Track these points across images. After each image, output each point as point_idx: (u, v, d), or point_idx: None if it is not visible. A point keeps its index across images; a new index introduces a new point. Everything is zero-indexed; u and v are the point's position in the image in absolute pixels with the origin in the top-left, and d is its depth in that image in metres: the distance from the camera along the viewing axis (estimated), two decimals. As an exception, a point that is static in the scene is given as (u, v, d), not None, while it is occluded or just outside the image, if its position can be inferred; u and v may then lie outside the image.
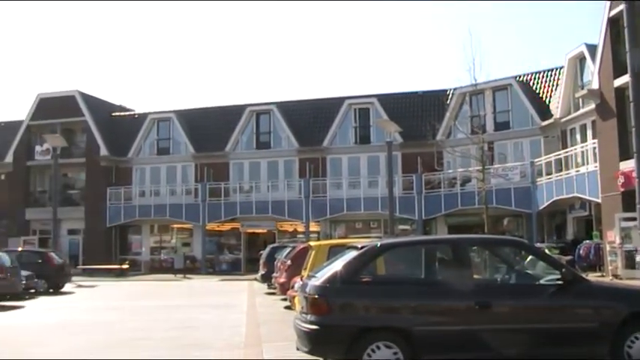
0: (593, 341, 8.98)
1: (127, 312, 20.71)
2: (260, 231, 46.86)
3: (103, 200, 47.17)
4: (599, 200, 29.38)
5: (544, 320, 9.02)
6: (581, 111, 34.49)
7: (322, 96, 50.26)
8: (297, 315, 9.78)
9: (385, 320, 8.90)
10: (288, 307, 18.68)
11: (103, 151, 48.04)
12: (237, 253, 46.88)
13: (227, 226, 47.11)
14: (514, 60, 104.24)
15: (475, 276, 9.68)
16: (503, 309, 9.02)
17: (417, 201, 41.41)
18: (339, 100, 46.44)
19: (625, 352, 8.91)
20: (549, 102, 39.84)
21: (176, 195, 47.44)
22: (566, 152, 34.47)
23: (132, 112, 53.45)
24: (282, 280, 21.04)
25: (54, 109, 48.33)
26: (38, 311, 21.61)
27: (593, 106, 30.96)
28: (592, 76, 31.22)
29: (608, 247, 27.93)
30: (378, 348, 8.62)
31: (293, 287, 17.04)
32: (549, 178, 34.89)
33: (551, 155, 35.56)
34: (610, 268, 27.59)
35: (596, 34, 29.84)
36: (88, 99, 49.93)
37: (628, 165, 26.75)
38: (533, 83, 41.78)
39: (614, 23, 28.37)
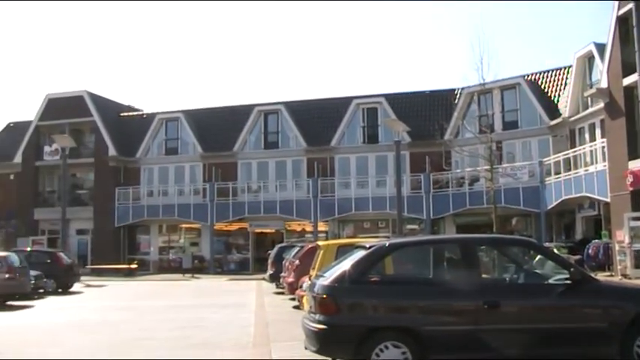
0: (602, 341, 8.95)
1: (136, 312, 20.74)
2: (268, 231, 46.85)
3: (112, 200, 47.26)
4: (608, 200, 29.27)
5: (553, 320, 8.99)
6: (590, 110, 34.38)
7: (330, 96, 50.32)
8: (305, 315, 9.78)
9: (393, 320, 8.89)
10: (296, 307, 18.69)
11: (112, 151, 48.12)
12: (246, 253, 46.89)
13: (235, 226, 47.12)
14: (522, 59, 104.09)
15: (484, 276, 9.67)
16: (512, 309, 9.00)
17: (425, 200, 41.35)
18: (347, 100, 46.43)
19: (635, 352, 8.88)
20: (558, 101, 39.73)
21: (184, 195, 47.49)
22: (575, 151, 34.36)
23: (140, 112, 53.55)
24: (290, 279, 21.06)
25: (62, 109, 48.45)
26: (47, 311, 21.68)
27: (601, 105, 30.85)
28: (601, 75, 31.11)
29: (617, 247, 27.81)
30: (387, 348, 8.62)
31: (301, 287, 17.06)
32: (558, 178, 34.80)
33: (559, 154, 35.46)
34: (619, 267, 27.47)
35: (605, 33, 29.76)
36: (97, 99, 50.04)
37: (637, 164, 26.74)
38: (542, 82, 41.67)
39: (622, 22, 28.29)
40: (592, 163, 32.10)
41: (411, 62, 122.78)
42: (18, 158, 49.75)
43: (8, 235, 47.76)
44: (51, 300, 25.69)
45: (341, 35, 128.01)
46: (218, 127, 48.31)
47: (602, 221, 32.16)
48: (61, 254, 32.00)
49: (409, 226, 41.43)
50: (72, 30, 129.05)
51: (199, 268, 43.69)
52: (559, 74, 40.77)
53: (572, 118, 36.41)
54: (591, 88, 33.56)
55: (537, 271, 10.35)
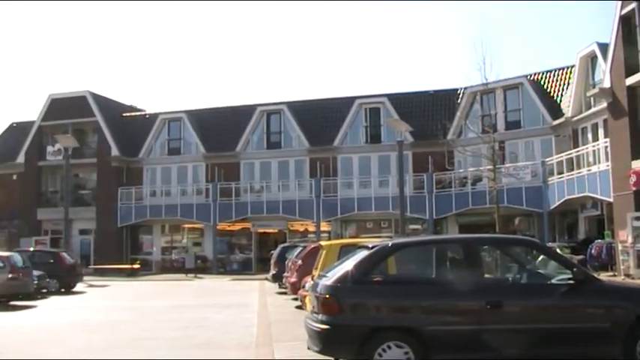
0: (604, 341, 8.95)
1: (139, 312, 20.75)
2: (271, 231, 46.87)
3: (114, 200, 47.30)
4: (611, 199, 29.24)
5: (555, 320, 8.98)
6: (593, 110, 34.36)
7: (333, 95, 50.28)
8: (308, 315, 9.79)
9: (396, 320, 8.89)
10: (299, 307, 18.71)
11: (114, 151, 48.16)
12: (248, 253, 46.91)
13: (238, 226, 47.12)
14: (525, 59, 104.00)
15: (486, 275, 9.66)
16: (515, 309, 8.99)
17: (427, 200, 41.33)
18: (350, 100, 46.43)
19: (637, 352, 8.87)
20: (560, 101, 39.69)
21: (187, 195, 47.53)
22: (578, 151, 34.32)
23: (143, 113, 53.59)
24: (293, 279, 21.06)
25: (65, 109, 48.49)
26: (50, 311, 21.71)
27: (604, 104, 30.82)
28: (603, 74, 31.08)
29: (620, 247, 27.77)
30: (389, 348, 8.62)
31: (304, 287, 17.06)
32: (561, 178, 34.77)
33: (562, 154, 35.43)
34: (622, 267, 27.44)
35: (608, 32, 29.72)
36: (99, 99, 50.10)
37: (640, 164, 26.70)
38: (545, 82, 41.63)
39: (625, 22, 28.26)
40: (595, 163, 32.07)
41: (414, 62, 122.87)
42: (21, 158, 49.81)
43: (11, 236, 47.88)
44: (54, 300, 25.72)
45: (343, 35, 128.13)
46: (221, 127, 48.33)
47: (604, 221, 32.13)
48: (64, 254, 32.03)
49: (412, 226, 41.35)
50: (75, 30, 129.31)
51: (202, 268, 43.71)
52: (562, 74, 40.72)
53: (575, 118, 36.39)
54: (594, 87, 33.52)
55: (540, 271, 10.35)
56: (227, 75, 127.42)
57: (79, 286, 31.72)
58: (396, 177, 36.49)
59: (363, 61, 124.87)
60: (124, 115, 52.05)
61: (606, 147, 30.26)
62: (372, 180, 43.96)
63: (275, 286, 27.85)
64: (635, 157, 26.92)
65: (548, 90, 41.04)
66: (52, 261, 30.34)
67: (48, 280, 27.67)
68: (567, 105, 37.69)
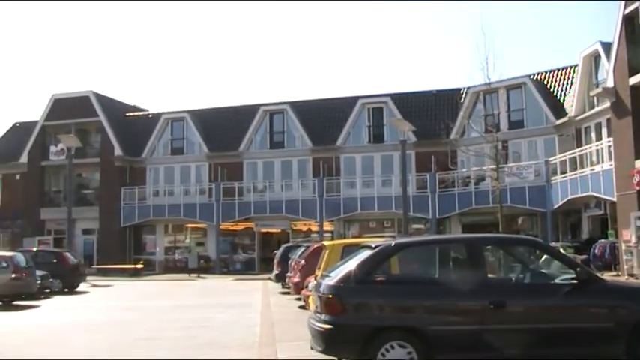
0: (608, 341, 8.93)
1: (142, 312, 20.77)
2: (274, 230, 46.87)
3: (118, 200, 47.34)
4: (615, 199, 29.18)
5: (559, 320, 8.97)
6: (596, 109, 34.31)
7: (336, 95, 50.20)
8: (311, 314, 9.78)
9: (399, 320, 8.89)
10: (302, 307, 18.70)
11: (118, 151, 48.17)
12: (251, 253, 46.93)
13: (241, 226, 47.14)
14: (528, 58, 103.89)
15: (489, 275, 9.67)
16: (518, 308, 8.99)
17: (430, 200, 41.32)
18: (353, 100, 46.43)
19: (641, 352, 8.86)
20: (564, 100, 39.63)
21: (190, 195, 47.55)
22: (581, 151, 34.27)
23: (146, 112, 53.57)
24: (296, 279, 21.05)
25: (68, 109, 48.53)
26: (53, 311, 21.73)
27: (608, 104, 30.76)
28: (607, 74, 31.01)
29: (623, 246, 27.71)
30: (392, 347, 8.62)
31: (307, 287, 17.05)
32: (564, 177, 34.73)
33: (565, 154, 35.38)
34: (625, 267, 27.39)
35: (611, 32, 29.66)
36: (103, 99, 50.11)
37: (643, 163, 26.65)
38: (548, 82, 41.58)
39: (628, 21, 28.20)
40: (598, 163, 32.02)
41: (417, 62, 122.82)
42: (24, 158, 49.85)
43: (14, 235, 47.93)
44: (57, 300, 25.75)
45: (346, 35, 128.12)
46: (224, 127, 48.34)
47: (608, 221, 32.07)
48: (67, 254, 32.07)
49: (415, 226, 41.35)
50: (78, 30, 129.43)
51: (205, 268, 43.73)
52: (565, 73, 40.67)
53: (578, 118, 36.34)
54: (597, 87, 33.45)
55: (543, 270, 10.33)
56: (230, 75, 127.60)
57: (82, 286, 31.75)
58: (399, 177, 36.53)
59: (366, 61, 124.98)
60: (127, 115, 52.06)
61: (609, 146, 30.20)
62: (375, 180, 43.97)
63: (278, 286, 27.86)
64: (638, 157, 26.86)
65: (552, 89, 40.99)
66: (55, 261, 30.39)
67: (51, 279, 27.68)
68: (570, 104, 37.63)
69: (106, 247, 46.91)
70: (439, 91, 46.02)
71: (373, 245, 9.69)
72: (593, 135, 35.29)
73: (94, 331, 15.68)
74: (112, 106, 50.60)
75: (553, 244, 29.48)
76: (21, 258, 24.62)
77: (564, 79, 40.55)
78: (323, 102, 48.37)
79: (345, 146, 45.71)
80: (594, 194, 31.47)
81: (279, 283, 27.55)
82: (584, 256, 28.17)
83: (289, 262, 24.45)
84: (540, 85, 41.20)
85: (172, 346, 13.08)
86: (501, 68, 58.64)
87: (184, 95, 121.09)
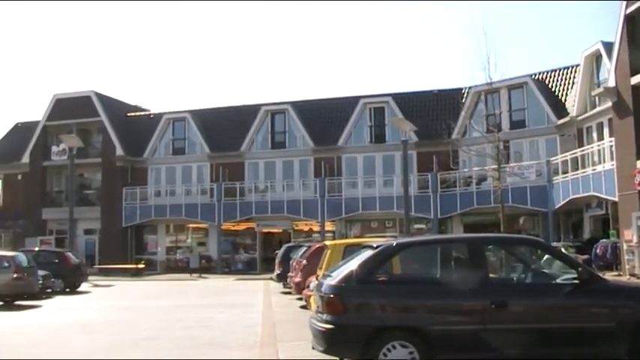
0: (610, 341, 8.92)
1: (143, 312, 20.78)
2: (275, 230, 46.86)
3: (119, 200, 47.34)
4: (616, 199, 29.16)
5: (560, 320, 8.96)
6: (598, 109, 34.29)
7: (337, 95, 50.19)
8: (312, 314, 9.79)
9: (401, 320, 8.88)
10: (303, 307, 18.70)
11: (119, 151, 48.17)
12: (253, 253, 46.92)
13: (242, 226, 47.14)
14: (530, 58, 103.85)
15: (491, 275, 9.64)
16: (520, 308, 8.99)
17: (432, 200, 41.30)
18: (354, 100, 46.41)
19: (643, 352, 8.84)
20: (565, 100, 39.61)
21: (191, 195, 47.54)
22: (583, 150, 34.26)
23: (147, 112, 53.56)
24: (297, 279, 21.05)
25: (70, 109, 48.53)
26: (55, 311, 21.75)
27: (609, 104, 30.74)
28: (608, 73, 30.99)
29: (625, 246, 27.71)
30: (394, 347, 8.62)
31: (308, 287, 17.06)
32: (565, 177, 34.71)
33: (567, 154, 35.36)
34: (627, 267, 27.38)
35: (613, 31, 29.65)
36: (104, 99, 50.12)
37: (645, 163, 26.62)
38: (549, 81, 41.55)
39: (630, 21, 28.18)
40: (600, 163, 32.00)
41: (418, 62, 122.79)
42: (26, 158, 49.85)
43: (16, 235, 47.94)
44: (59, 300, 25.78)
45: (348, 35, 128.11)
46: (225, 127, 48.34)
47: (610, 220, 32.04)
48: (69, 254, 32.12)
49: (416, 226, 41.35)
50: (79, 30, 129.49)
51: (207, 267, 43.71)
52: (566, 73, 40.64)
53: (580, 117, 36.32)
54: (599, 87, 33.42)
55: (545, 270, 10.34)
56: (231, 75, 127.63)
57: (83, 286, 31.79)
58: (401, 177, 36.51)
59: (367, 61, 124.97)
60: (129, 115, 52.03)
61: (611, 146, 30.17)
62: (377, 180, 43.96)
63: (279, 286, 27.85)
64: (640, 157, 26.87)
65: (553, 89, 40.96)
66: (56, 261, 30.44)
67: (53, 279, 27.68)
68: (572, 104, 37.62)
69: (108, 247, 46.92)
70: (441, 91, 45.99)
71: (375, 245, 9.69)
72: (594, 135, 35.27)
73: (95, 331, 15.68)
74: (113, 106, 50.59)
75: (555, 244, 29.47)
76: (23, 258, 24.64)
77: (566, 78, 40.52)
78: (324, 102, 48.35)
79: (347, 146, 45.70)
80: (596, 194, 31.45)
81: (281, 283, 27.55)
82: (585, 256, 28.16)
83: (291, 262, 24.48)
84: (542, 84, 41.17)
85: (174, 346, 13.08)
86: (503, 68, 58.55)
87: (186, 95, 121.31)
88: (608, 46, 31.85)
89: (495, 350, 8.72)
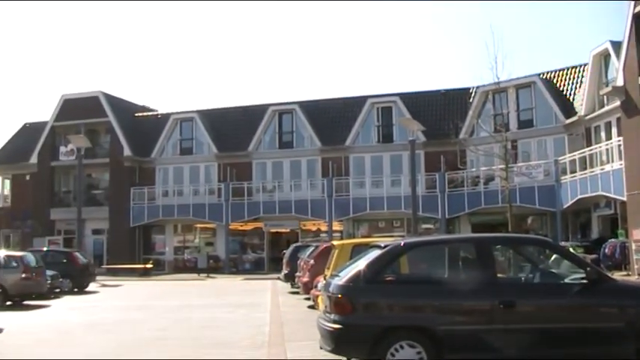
0: (618, 341, 8.89)
1: (151, 311, 20.80)
2: (283, 230, 46.89)
3: (127, 200, 47.42)
4: (625, 198, 29.03)
5: (569, 320, 8.93)
6: (606, 108, 34.18)
7: (344, 95, 50.15)
8: (320, 314, 9.78)
9: (409, 319, 8.87)
10: (311, 307, 18.69)
11: (127, 151, 48.26)
12: (261, 253, 46.97)
13: (250, 226, 47.18)
14: (537, 57, 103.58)
15: (499, 275, 9.62)
16: (528, 308, 8.96)
17: (440, 200, 41.25)
18: (362, 99, 46.39)
19: (652, 352, 8.81)
20: (573, 99, 39.51)
21: (199, 195, 47.58)
22: (591, 150, 34.17)
23: (155, 113, 53.64)
24: (305, 279, 21.05)
25: (78, 110, 48.65)
26: (63, 310, 21.79)
27: (618, 103, 30.62)
28: (617, 72, 30.86)
29: (633, 246, 27.57)
30: (402, 347, 8.61)
31: (316, 286, 17.04)
32: (574, 177, 34.63)
33: (575, 153, 35.27)
34: (636, 267, 27.24)
35: (621, 30, 29.55)
36: (112, 100, 50.22)
37: (654, 163, 26.51)
38: (557, 81, 41.44)
39: (638, 20, 28.05)
40: (608, 162, 31.90)
41: (426, 61, 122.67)
42: (34, 159, 50.00)
43: (24, 235, 48.11)
44: (67, 299, 25.83)
45: (355, 35, 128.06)
46: (233, 127, 48.40)
47: (618, 220, 31.93)
48: (77, 254, 32.19)
49: (424, 226, 41.34)
50: (87, 31, 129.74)
51: (214, 267, 43.72)
52: (574, 72, 40.52)
53: (588, 117, 36.22)
54: (607, 86, 33.30)
55: (553, 270, 10.30)
56: (239, 75, 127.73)
57: (91, 286, 31.85)
58: (408, 176, 36.53)
59: (374, 61, 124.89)
60: (137, 115, 52.14)
61: (619, 146, 30.05)
62: (384, 179, 43.92)
63: (287, 286, 27.86)
64: (648, 156, 26.76)
65: (561, 88, 40.85)
66: (65, 261, 30.52)
67: (61, 279, 27.77)
68: (580, 104, 37.52)
69: (116, 247, 47.04)
70: (448, 91, 45.95)
71: (382, 245, 9.68)
72: (603, 134, 35.17)
73: (103, 331, 15.70)
74: (121, 107, 50.70)
75: (563, 243, 29.36)
76: (31, 258, 24.69)
77: (574, 78, 40.40)
78: (332, 102, 48.36)
79: (354, 146, 45.68)
80: (604, 194, 31.36)
81: (289, 283, 27.56)
82: (594, 256, 28.03)
83: (298, 261, 24.45)
84: (550, 84, 41.06)
85: (181, 346, 13.09)
86: (510, 67, 58.56)
87: (193, 95, 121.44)
88: (617, 45, 31.72)
89: (503, 350, 8.70)
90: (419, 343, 8.61)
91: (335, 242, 20.58)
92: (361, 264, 9.36)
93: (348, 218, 43.72)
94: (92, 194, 49.85)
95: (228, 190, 45.58)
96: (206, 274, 41.15)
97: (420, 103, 45.08)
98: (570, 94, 40.05)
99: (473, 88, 43.28)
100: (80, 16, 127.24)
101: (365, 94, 47.63)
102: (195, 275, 41.08)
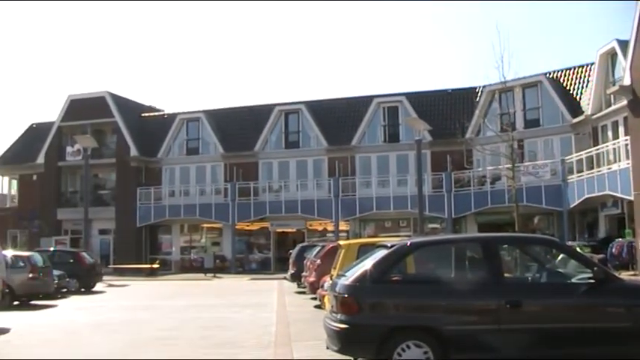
0: (626, 341, 8.85)
1: (158, 311, 20.81)
2: (289, 230, 46.89)
3: (134, 200, 47.51)
4: (632, 198, 28.93)
5: (576, 320, 8.91)
6: (613, 107, 34.10)
7: (351, 95, 50.16)
8: (326, 314, 9.77)
9: (415, 319, 8.85)
10: (317, 307, 18.70)
11: (133, 151, 48.36)
12: (267, 253, 47.00)
13: (256, 226, 47.19)
14: (544, 56, 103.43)
15: (506, 275, 9.61)
16: (534, 308, 8.93)
17: (446, 199, 41.19)
18: (368, 99, 46.39)
19: (659, 352, 8.78)
20: (580, 98, 39.40)
21: (205, 195, 47.63)
22: (598, 149, 34.07)
23: (161, 113, 53.72)
24: (311, 279, 21.04)
25: (84, 110, 48.76)
26: (70, 310, 21.82)
27: (624, 102, 30.51)
28: (624, 72, 30.77)
29: (641, 246, 27.55)
30: (408, 347, 8.60)
31: (323, 286, 17.02)
32: (580, 176, 34.55)
33: (582, 152, 35.20)
34: (643, 266, 27.22)
35: (628, 29, 29.45)
36: (118, 100, 50.31)
37: (661, 162, 26.42)
38: (564, 80, 41.33)
39: (645, 19, 27.98)
40: (615, 161, 31.82)
41: (432, 61, 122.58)
42: (41, 159, 50.15)
43: (32, 235, 48.27)
44: (74, 299, 25.87)
45: (361, 34, 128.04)
46: (239, 127, 48.42)
47: (625, 220, 31.84)
48: (84, 254, 32.24)
49: (430, 225, 41.27)
50: (93, 31, 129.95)
51: (221, 267, 43.76)
52: (581, 71, 40.41)
53: (595, 116, 36.13)
54: (614, 85, 33.18)
55: (560, 270, 10.27)
56: (245, 75, 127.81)
57: (98, 286, 31.89)
58: (415, 176, 36.45)
59: (381, 60, 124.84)
60: (143, 115, 52.24)
61: (626, 145, 29.96)
62: (391, 179, 43.90)
63: (294, 286, 27.88)
64: (656, 155, 26.67)
65: (568, 88, 40.74)
66: (71, 261, 30.59)
67: (68, 279, 27.84)
68: (587, 103, 37.42)
69: (122, 247, 47.15)
70: (454, 90, 45.93)
71: (389, 245, 9.66)
72: (610, 133, 35.07)
73: (110, 331, 15.72)
74: (127, 107, 50.79)
75: (570, 243, 29.28)
76: (38, 258, 24.76)
77: (581, 77, 40.29)
78: (338, 101, 48.33)
79: (361, 146, 45.66)
80: (611, 193, 31.27)
81: (295, 283, 27.56)
82: (601, 256, 27.94)
83: (305, 261, 24.43)
84: (556, 83, 40.97)
85: (188, 346, 13.10)
86: (517, 67, 58.57)
87: (199, 95, 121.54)
88: (624, 45, 31.63)
89: (509, 350, 8.67)
90: (425, 343, 8.60)
91: (341, 242, 20.56)
92: (368, 264, 9.35)
93: (354, 218, 43.71)
94: (99, 194, 49.95)
95: (234, 190, 45.62)
96: (212, 274, 41.19)
97: (426, 103, 45.05)
98: (577, 94, 39.94)
99: (479, 87, 43.25)
100: (86, 16, 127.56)
101: (371, 93, 47.63)
102: (201, 275, 41.11)
